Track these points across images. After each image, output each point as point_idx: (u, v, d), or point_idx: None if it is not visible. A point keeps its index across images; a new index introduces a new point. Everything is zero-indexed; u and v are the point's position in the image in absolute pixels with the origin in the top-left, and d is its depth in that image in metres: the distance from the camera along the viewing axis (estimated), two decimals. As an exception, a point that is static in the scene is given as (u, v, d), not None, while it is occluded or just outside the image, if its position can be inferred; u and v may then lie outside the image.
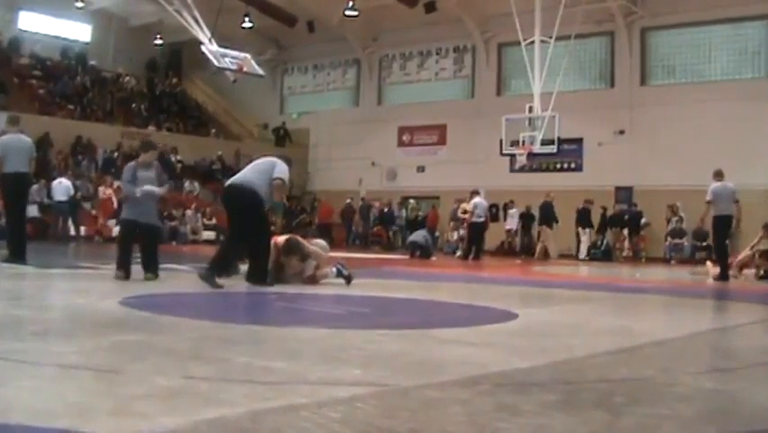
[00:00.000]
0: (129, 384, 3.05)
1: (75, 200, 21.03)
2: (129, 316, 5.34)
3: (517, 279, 12.88)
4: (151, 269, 8.16)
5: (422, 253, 19.41)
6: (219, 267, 8.02)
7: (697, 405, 3.12)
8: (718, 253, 12.98)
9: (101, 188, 22.52)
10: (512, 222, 24.05)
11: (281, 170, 8.31)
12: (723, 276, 12.45)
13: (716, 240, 13.26)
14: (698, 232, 20.23)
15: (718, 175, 12.67)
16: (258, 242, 8.26)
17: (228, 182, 8.66)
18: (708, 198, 12.48)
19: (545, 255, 21.60)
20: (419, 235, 20.32)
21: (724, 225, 12.62)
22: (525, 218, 24.27)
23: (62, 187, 20.45)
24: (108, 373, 3.30)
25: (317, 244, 9.51)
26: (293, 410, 2.68)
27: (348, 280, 8.78)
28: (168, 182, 8.46)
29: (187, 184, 27.48)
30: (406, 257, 19.33)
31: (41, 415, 2.54)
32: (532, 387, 3.38)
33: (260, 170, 8.36)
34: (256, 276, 8.19)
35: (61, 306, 6.18)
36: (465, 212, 22.19)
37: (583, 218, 22.62)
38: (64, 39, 31.26)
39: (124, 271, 7.98)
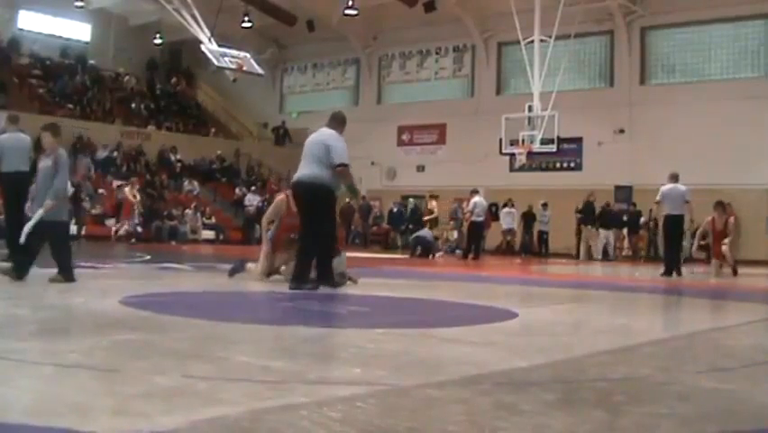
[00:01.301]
0: (128, 383, 3.05)
1: (78, 199, 21.00)
2: (128, 315, 5.34)
3: (517, 278, 12.87)
4: (60, 270, 7.43)
5: (423, 250, 19.40)
6: (303, 274, 7.74)
7: (696, 404, 3.11)
8: (666, 249, 14.03)
9: (126, 189, 22.29)
10: (508, 221, 24.00)
11: (339, 153, 7.72)
12: (667, 271, 13.17)
13: (665, 238, 14.22)
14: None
15: (672, 177, 13.42)
16: (324, 240, 7.86)
17: (294, 180, 8.17)
18: (657, 198, 13.40)
19: (589, 256, 21.58)
20: (425, 232, 20.31)
21: (672, 225, 13.45)
22: (527, 217, 24.24)
23: (62, 186, 20.39)
24: (108, 373, 3.30)
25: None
26: (292, 410, 2.67)
27: (354, 280, 8.74)
28: (56, 189, 7.46)
29: (186, 183, 27.47)
30: (406, 256, 19.33)
31: (41, 414, 2.54)
32: (531, 386, 3.38)
33: (318, 158, 7.80)
34: (324, 277, 7.78)
35: (61, 305, 6.18)
36: (431, 212, 22.18)
37: (606, 219, 22.55)
38: (64, 38, 31.24)
39: (17, 272, 7.23)
